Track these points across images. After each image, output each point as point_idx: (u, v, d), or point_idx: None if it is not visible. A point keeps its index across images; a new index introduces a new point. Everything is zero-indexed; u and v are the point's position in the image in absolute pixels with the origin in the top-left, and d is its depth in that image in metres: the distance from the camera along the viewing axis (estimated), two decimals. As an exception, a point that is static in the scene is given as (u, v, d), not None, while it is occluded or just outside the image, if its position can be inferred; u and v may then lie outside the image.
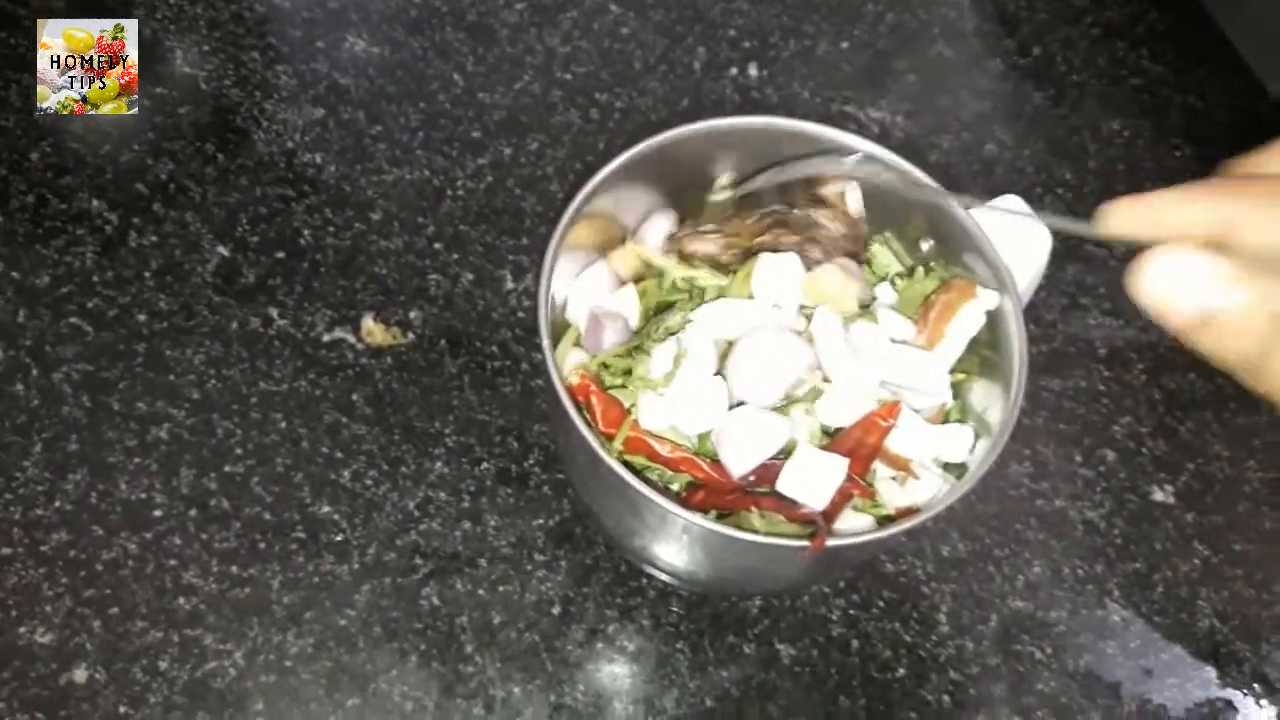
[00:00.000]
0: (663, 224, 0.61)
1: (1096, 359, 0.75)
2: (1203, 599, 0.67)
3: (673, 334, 0.54)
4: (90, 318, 0.69)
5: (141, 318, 0.70)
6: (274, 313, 0.71)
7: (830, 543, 0.48)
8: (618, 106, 0.81)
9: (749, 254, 0.58)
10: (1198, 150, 0.83)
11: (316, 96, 0.79)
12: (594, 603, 0.64)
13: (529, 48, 0.83)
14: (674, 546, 0.54)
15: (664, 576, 0.62)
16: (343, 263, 0.73)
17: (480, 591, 0.63)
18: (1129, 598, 0.67)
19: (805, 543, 0.48)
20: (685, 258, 0.58)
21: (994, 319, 0.56)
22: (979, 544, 0.68)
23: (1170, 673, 0.65)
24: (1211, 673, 0.66)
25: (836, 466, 0.51)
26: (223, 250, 0.73)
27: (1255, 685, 0.65)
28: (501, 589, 0.63)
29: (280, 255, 0.73)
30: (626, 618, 0.63)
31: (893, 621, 0.65)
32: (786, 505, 0.51)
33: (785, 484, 0.51)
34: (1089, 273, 0.77)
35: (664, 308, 0.57)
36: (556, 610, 0.63)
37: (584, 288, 0.58)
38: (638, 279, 0.59)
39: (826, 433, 0.54)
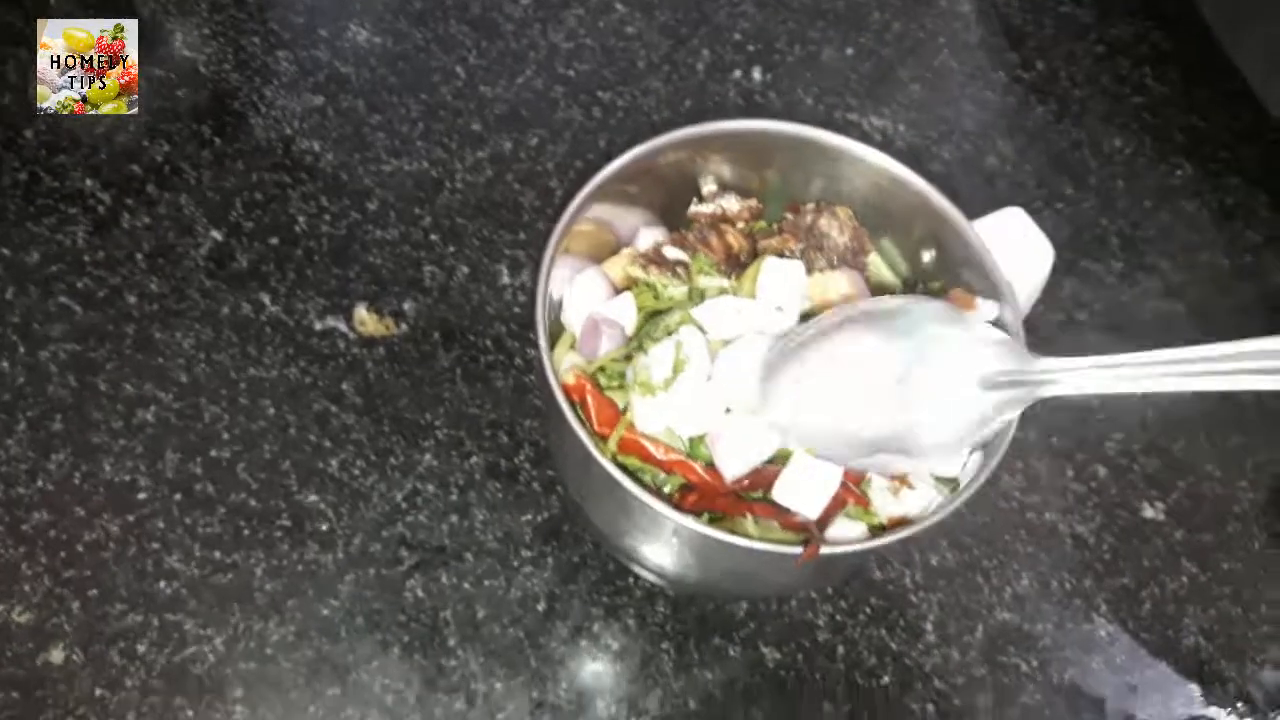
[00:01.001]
0: (653, 236, 0.61)
1: (1091, 374, 0.74)
2: (1189, 616, 0.67)
3: (670, 334, 0.53)
4: (79, 297, 0.69)
5: (131, 299, 0.69)
6: (266, 299, 0.70)
7: (823, 551, 0.47)
8: (620, 105, 0.81)
9: (752, 257, 0.58)
10: (1198, 169, 0.83)
11: (316, 84, 0.79)
12: (580, 600, 0.63)
13: (533, 43, 0.83)
14: (664, 548, 0.53)
15: (651, 577, 0.62)
16: (337, 251, 0.72)
17: (465, 585, 0.63)
18: (1116, 613, 0.67)
19: (798, 550, 0.47)
20: (662, 265, 0.58)
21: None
22: (968, 554, 0.67)
23: (1155, 689, 0.65)
24: (1195, 690, 0.65)
25: (831, 475, 0.50)
26: (216, 234, 0.72)
27: (1239, 704, 0.65)
28: (487, 583, 0.63)
29: (274, 241, 0.72)
30: (612, 616, 0.63)
31: (879, 628, 0.64)
32: (780, 512, 0.51)
33: (781, 491, 0.51)
34: (1086, 288, 0.77)
35: (656, 314, 0.57)
36: (541, 606, 0.63)
37: (580, 292, 0.57)
38: (628, 287, 0.58)
39: None
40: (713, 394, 0.52)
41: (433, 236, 0.74)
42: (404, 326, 0.70)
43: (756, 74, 0.84)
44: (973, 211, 0.58)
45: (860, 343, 0.51)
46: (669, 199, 0.63)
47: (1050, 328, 0.76)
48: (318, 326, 0.70)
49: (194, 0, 0.81)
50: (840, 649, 0.64)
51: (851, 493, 0.52)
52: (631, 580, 0.64)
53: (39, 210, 0.71)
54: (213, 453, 0.65)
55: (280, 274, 0.71)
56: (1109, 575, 0.68)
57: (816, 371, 0.51)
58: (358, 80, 0.79)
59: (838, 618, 0.64)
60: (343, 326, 0.70)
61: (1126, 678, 0.65)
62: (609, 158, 0.58)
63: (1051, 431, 0.72)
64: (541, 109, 0.80)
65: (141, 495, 0.63)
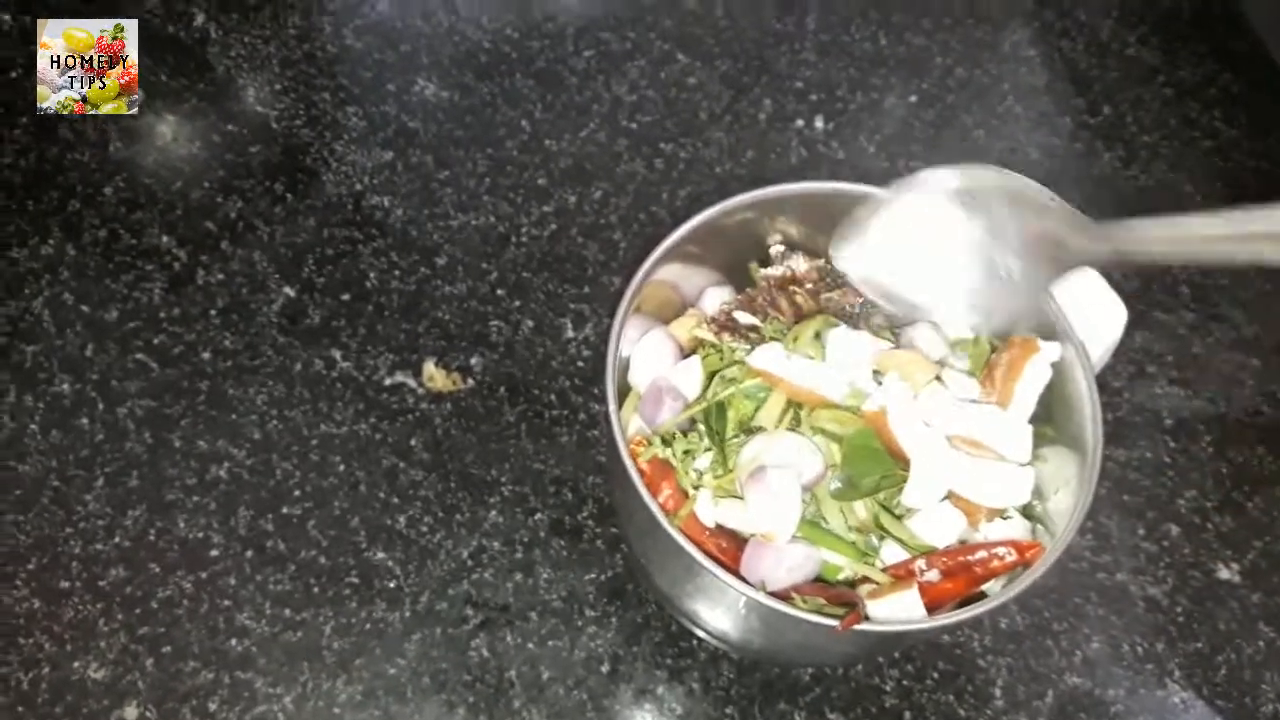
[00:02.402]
0: (719, 296, 0.61)
1: (1163, 429, 0.73)
2: (1267, 683, 0.66)
3: (749, 433, 0.53)
4: (156, 354, 0.71)
5: (206, 355, 0.71)
6: (337, 355, 0.71)
7: (861, 627, 0.47)
8: (682, 157, 0.81)
9: (803, 316, 0.58)
10: (1271, 217, 0.82)
11: (385, 139, 0.80)
12: (644, 662, 0.63)
13: (596, 95, 0.83)
14: (727, 615, 0.53)
15: (715, 641, 0.62)
16: (406, 307, 0.73)
17: (530, 645, 0.63)
18: (1190, 679, 0.65)
19: (835, 622, 0.47)
20: (734, 330, 0.58)
21: (1065, 393, 0.55)
22: (1037, 617, 0.66)
23: (1232, 759, 0.64)
24: (1275, 761, 0.64)
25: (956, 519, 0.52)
26: (289, 290, 0.73)
27: (1321, 776, 0.64)
28: (551, 644, 0.63)
29: (345, 297, 0.73)
30: (676, 679, 0.63)
31: (947, 694, 0.64)
32: (825, 589, 0.51)
33: (917, 526, 0.53)
34: (1157, 340, 0.76)
35: (718, 370, 0.57)
36: (605, 668, 0.63)
37: (647, 354, 0.57)
38: (695, 348, 0.59)
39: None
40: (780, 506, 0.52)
41: (499, 291, 0.75)
42: (471, 381, 0.71)
43: (819, 123, 0.83)
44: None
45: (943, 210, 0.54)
46: (734, 257, 0.63)
47: (1120, 379, 0.75)
48: (387, 382, 0.71)
49: (266, 56, 0.83)
50: (907, 714, 0.63)
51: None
52: (695, 642, 0.64)
53: (117, 267, 0.73)
54: (284, 509, 0.66)
55: (351, 329, 0.72)
56: (1183, 639, 0.66)
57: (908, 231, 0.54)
58: (425, 135, 0.81)
59: (905, 683, 0.64)
60: (411, 382, 0.71)
61: (1202, 746, 0.64)
62: (671, 210, 0.58)
63: (1122, 489, 0.71)
64: (605, 162, 0.80)
65: (214, 552, 0.65)
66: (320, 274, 0.74)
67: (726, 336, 0.58)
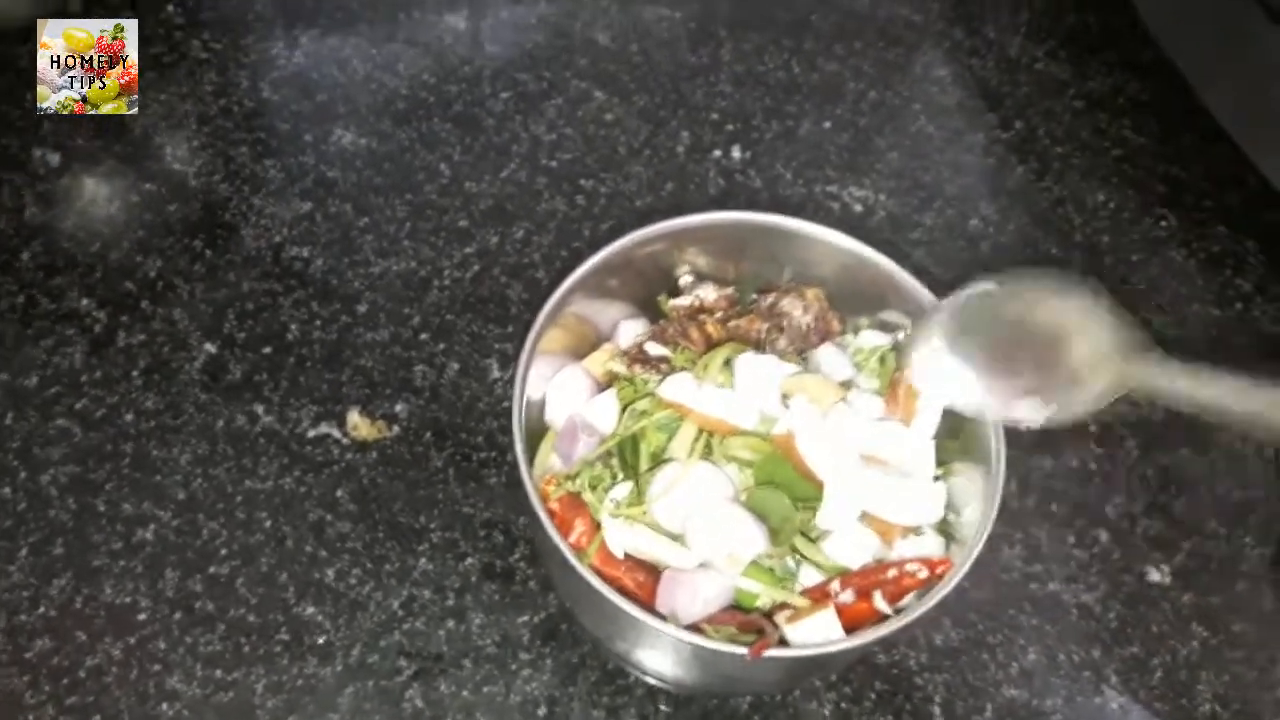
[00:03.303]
0: (633, 329, 0.61)
1: (1087, 436, 0.74)
2: (1203, 683, 0.66)
3: (660, 462, 0.54)
4: (78, 418, 0.70)
5: (129, 417, 0.70)
6: (260, 409, 0.71)
7: (775, 652, 0.48)
8: (602, 192, 0.82)
9: (714, 344, 0.58)
10: (1182, 219, 0.83)
11: (304, 190, 0.80)
12: (580, 702, 0.63)
13: (514, 136, 0.84)
14: (650, 650, 0.53)
15: (650, 678, 0.62)
16: (329, 356, 0.73)
17: (465, 693, 0.63)
18: (1127, 683, 0.66)
19: (744, 650, 0.47)
20: (646, 362, 0.58)
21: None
22: (972, 631, 0.67)
23: (1171, 761, 0.64)
24: (1214, 760, 0.64)
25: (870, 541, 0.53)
26: (210, 347, 0.73)
27: (1259, 772, 0.64)
28: (486, 689, 0.63)
29: (267, 350, 0.73)
30: (614, 717, 0.62)
31: (885, 714, 0.64)
32: (737, 616, 0.51)
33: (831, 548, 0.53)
34: (1078, 348, 0.77)
35: (631, 402, 0.57)
36: (542, 711, 0.62)
37: (562, 391, 0.58)
38: (610, 382, 0.59)
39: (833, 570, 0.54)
40: (692, 539, 0.53)
41: (422, 336, 0.75)
42: (396, 428, 0.71)
43: (736, 152, 0.84)
44: (957, 277, 0.57)
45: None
46: (648, 290, 0.64)
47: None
48: (311, 434, 0.70)
49: (183, 114, 0.83)
50: (846, 736, 0.63)
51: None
52: (632, 679, 0.63)
53: (37, 333, 0.73)
54: (211, 569, 0.66)
55: (274, 383, 0.72)
56: (1118, 644, 0.67)
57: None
58: (344, 184, 0.81)
59: (843, 705, 0.64)
60: (336, 433, 0.70)
61: (1140, 750, 0.64)
62: (594, 246, 0.59)
63: (1050, 498, 0.71)
64: (525, 201, 0.81)
65: (142, 616, 0.64)
66: (241, 329, 0.74)
67: (638, 369, 0.58)
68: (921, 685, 0.65)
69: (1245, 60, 0.81)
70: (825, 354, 0.58)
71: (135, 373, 0.72)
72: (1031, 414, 0.52)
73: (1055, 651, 0.66)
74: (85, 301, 0.74)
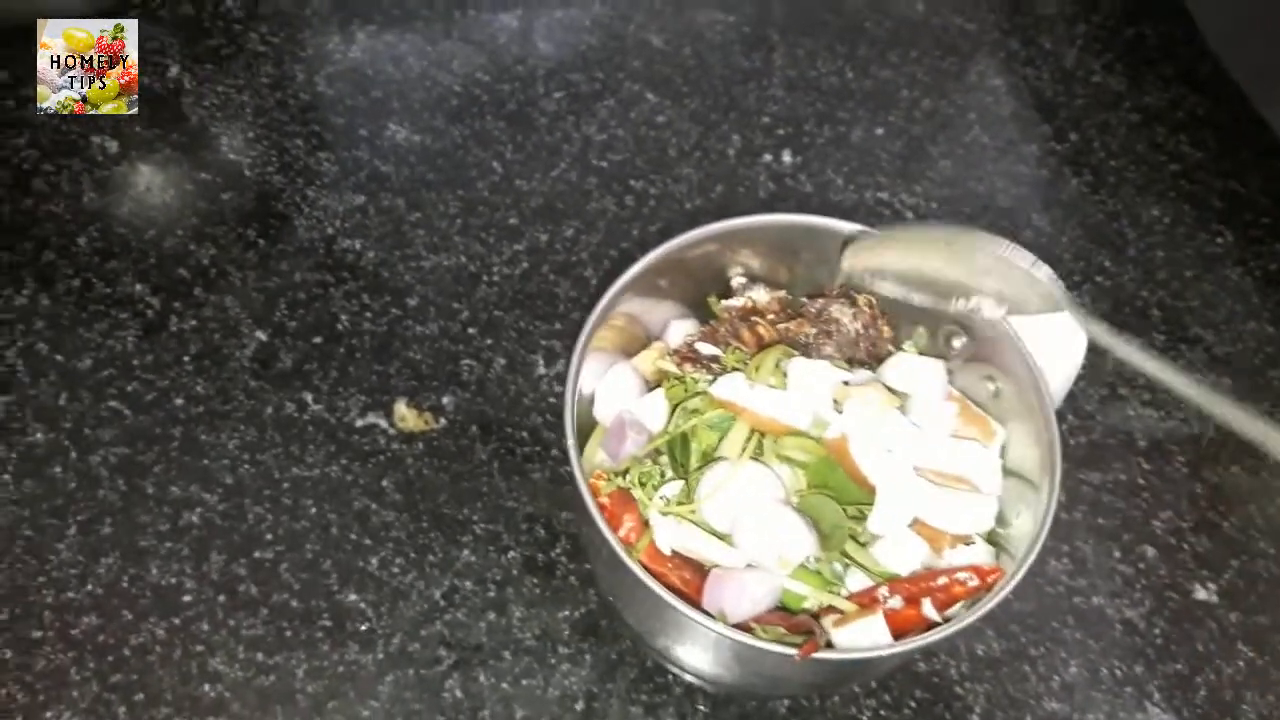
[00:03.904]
0: (683, 328, 0.61)
1: (1136, 451, 0.73)
2: (1247, 703, 0.65)
3: (711, 461, 0.54)
4: (129, 401, 0.71)
5: (179, 402, 0.71)
6: (309, 398, 0.71)
7: (822, 655, 0.47)
8: (652, 193, 0.82)
9: (764, 346, 0.58)
10: (1238, 235, 0.82)
11: (357, 183, 0.81)
12: (618, 699, 0.63)
13: (566, 136, 0.84)
14: (693, 647, 0.53)
15: (689, 676, 0.61)
16: (378, 348, 0.74)
17: (504, 685, 0.63)
18: (1170, 701, 0.65)
19: (793, 650, 0.47)
20: (696, 361, 0.58)
21: (1029, 424, 0.55)
22: (1014, 643, 0.66)
23: (1215, 782, 0.63)
24: (1258, 782, 0.63)
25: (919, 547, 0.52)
26: (261, 335, 0.74)
27: (1305, 797, 0.63)
28: (525, 683, 0.63)
29: (317, 340, 0.74)
30: (651, 715, 0.62)
31: (924, 722, 0.63)
32: (785, 618, 0.51)
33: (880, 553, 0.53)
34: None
35: (681, 401, 0.57)
36: (580, 706, 0.62)
37: (611, 388, 0.58)
38: (659, 381, 0.59)
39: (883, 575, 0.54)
40: (740, 539, 0.53)
41: (470, 330, 0.75)
42: (443, 421, 0.71)
43: (786, 157, 0.84)
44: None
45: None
46: (698, 291, 0.64)
47: (1092, 403, 0.75)
48: (359, 424, 0.71)
49: (239, 105, 0.84)
50: (884, 744, 0.63)
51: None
52: (670, 677, 0.63)
53: (91, 316, 0.74)
54: (256, 553, 0.66)
55: (323, 372, 0.73)
56: (1161, 661, 0.66)
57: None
58: (397, 179, 0.81)
59: (882, 712, 0.63)
60: (383, 423, 0.71)
61: (1184, 769, 0.63)
62: (642, 246, 0.59)
63: (1097, 512, 0.71)
64: (576, 200, 0.81)
65: (187, 598, 0.65)
66: (292, 318, 0.74)
67: (689, 368, 0.58)
68: (961, 695, 0.64)
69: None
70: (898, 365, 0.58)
71: (186, 358, 0.73)
72: (990, 309, 0.55)
73: (1098, 666, 0.66)
74: (139, 287, 0.75)
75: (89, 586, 0.65)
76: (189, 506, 0.67)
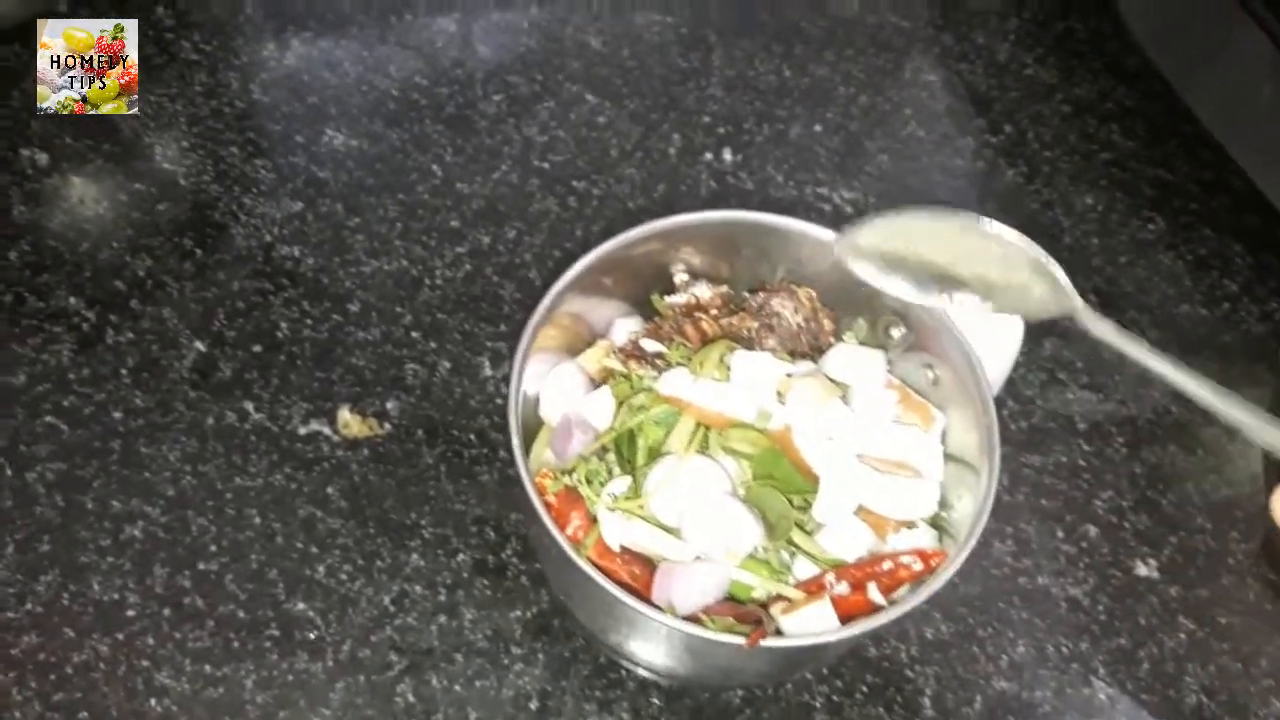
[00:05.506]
0: (628, 326, 0.61)
1: (1076, 434, 0.74)
2: (1189, 674, 0.67)
3: (657, 456, 0.54)
4: (65, 416, 0.69)
5: (117, 415, 0.70)
6: (250, 407, 0.71)
7: (771, 642, 0.48)
8: (594, 194, 0.82)
9: (708, 341, 0.59)
10: (1169, 221, 0.84)
11: (295, 190, 0.80)
12: (572, 696, 0.63)
13: (507, 138, 0.84)
14: (645, 641, 0.53)
15: (642, 671, 0.62)
16: (320, 355, 0.73)
17: (456, 687, 0.62)
18: (1114, 675, 0.66)
19: (741, 639, 0.47)
20: (641, 358, 0.58)
21: (968, 409, 0.56)
22: (962, 625, 0.67)
23: (1161, 754, 0.64)
24: (1202, 752, 0.65)
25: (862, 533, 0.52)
26: (200, 345, 0.73)
27: (1248, 765, 0.64)
28: (478, 684, 0.63)
29: (257, 349, 0.73)
30: (606, 711, 0.62)
31: (877, 706, 0.64)
32: (733, 608, 0.51)
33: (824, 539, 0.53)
34: (1066, 347, 0.77)
35: (627, 398, 0.57)
36: (534, 705, 0.62)
37: (557, 387, 0.58)
38: (605, 379, 0.59)
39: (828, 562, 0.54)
40: (688, 532, 0.53)
41: (414, 334, 0.75)
42: (388, 426, 0.71)
43: (727, 155, 0.85)
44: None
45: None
46: (642, 289, 0.64)
47: (1032, 387, 0.76)
48: (302, 431, 0.70)
49: (173, 114, 0.83)
50: (838, 731, 0.63)
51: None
52: (623, 673, 0.63)
53: (24, 331, 0.72)
54: (200, 565, 0.65)
55: (264, 381, 0.72)
56: (1106, 637, 0.67)
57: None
58: (335, 184, 0.81)
59: (834, 698, 0.64)
60: (327, 430, 0.70)
61: (1130, 743, 0.64)
62: (586, 246, 0.59)
63: (1039, 493, 0.72)
64: (518, 202, 0.81)
65: (130, 612, 0.64)
66: (231, 327, 0.74)
67: (634, 365, 0.58)
68: (912, 678, 0.65)
69: (1226, 64, 0.82)
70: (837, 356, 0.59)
71: (124, 371, 0.72)
72: (973, 306, 0.55)
73: (1044, 644, 0.67)
74: (74, 300, 0.74)
75: (28, 605, 0.63)
76: (130, 520, 0.66)
